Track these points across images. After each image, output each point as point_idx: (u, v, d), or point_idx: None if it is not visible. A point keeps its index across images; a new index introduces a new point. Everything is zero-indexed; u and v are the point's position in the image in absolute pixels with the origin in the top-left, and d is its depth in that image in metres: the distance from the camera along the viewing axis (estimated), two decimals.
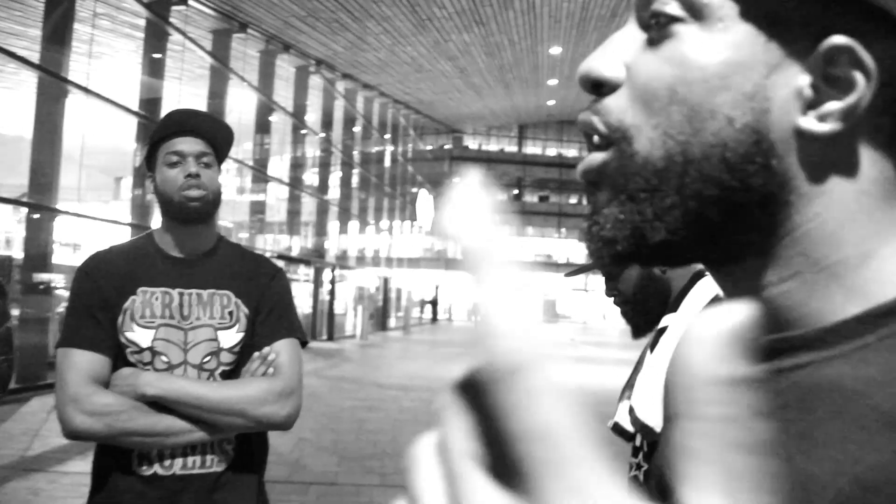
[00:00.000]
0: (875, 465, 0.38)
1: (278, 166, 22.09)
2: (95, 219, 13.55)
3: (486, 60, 24.62)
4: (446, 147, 50.22)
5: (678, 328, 1.55)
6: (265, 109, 19.95)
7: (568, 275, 1.84)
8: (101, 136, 14.70)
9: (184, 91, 16.06)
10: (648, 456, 1.55)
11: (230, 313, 1.88)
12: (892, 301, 0.45)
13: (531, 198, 54.43)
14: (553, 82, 28.87)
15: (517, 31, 21.37)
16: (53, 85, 11.40)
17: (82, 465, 5.75)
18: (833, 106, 0.46)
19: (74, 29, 12.07)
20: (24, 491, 5.53)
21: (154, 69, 14.56)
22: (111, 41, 16.03)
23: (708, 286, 1.61)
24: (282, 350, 1.88)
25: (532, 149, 53.87)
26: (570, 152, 54.24)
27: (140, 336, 1.81)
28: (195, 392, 1.75)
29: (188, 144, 1.88)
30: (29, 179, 11.22)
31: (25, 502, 5.29)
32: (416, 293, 41.36)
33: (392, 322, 33.27)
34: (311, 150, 24.53)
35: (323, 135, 24.39)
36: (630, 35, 0.52)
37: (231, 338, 1.87)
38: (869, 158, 0.47)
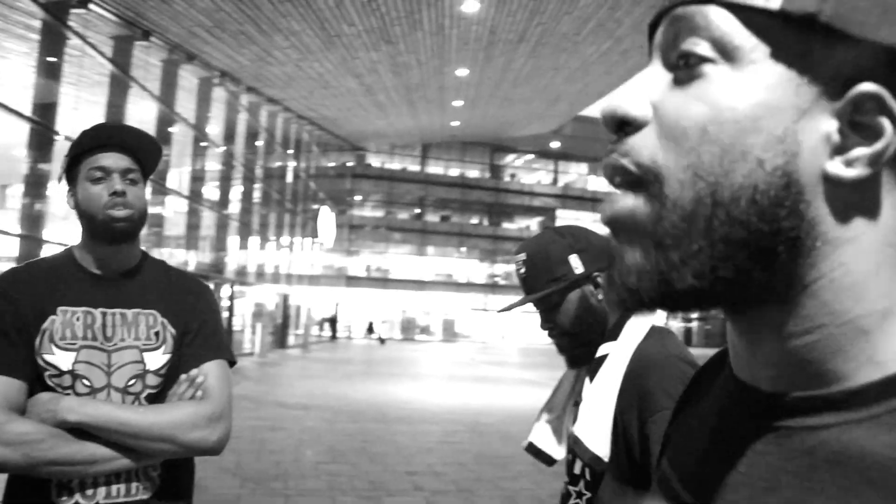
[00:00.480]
0: None
1: (178, 179, 21.53)
2: None
3: (393, 79, 24.69)
4: (349, 164, 50.05)
5: (620, 356, 1.54)
6: (166, 120, 19.42)
7: (501, 311, 1.79)
8: None
9: (81, 97, 15.49)
10: (592, 485, 1.53)
11: (156, 334, 1.81)
12: None
13: (433, 217, 54.73)
14: (458, 103, 29.16)
15: (425, 52, 21.52)
16: None
17: None
18: (860, 152, 0.46)
19: None
20: None
21: (49, 73, 13.96)
22: (2, 41, 15.33)
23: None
24: (210, 372, 1.82)
25: (434, 168, 54.25)
26: (473, 173, 54.87)
27: (60, 358, 1.72)
28: (121, 417, 1.67)
29: (113, 160, 1.80)
30: None
31: None
32: (315, 310, 40.92)
33: (291, 339, 32.79)
34: (212, 164, 24.01)
35: (224, 148, 23.93)
36: (654, 74, 0.52)
37: (157, 359, 1.80)
38: (891, 206, 0.47)
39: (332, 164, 46.83)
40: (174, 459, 1.79)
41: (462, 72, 23.71)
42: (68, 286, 1.79)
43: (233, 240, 25.38)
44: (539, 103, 29.28)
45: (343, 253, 49.27)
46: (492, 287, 50.40)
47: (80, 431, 1.64)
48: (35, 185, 13.36)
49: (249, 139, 26.32)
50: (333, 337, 44.11)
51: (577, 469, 1.58)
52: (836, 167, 0.46)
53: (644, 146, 0.50)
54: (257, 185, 27.61)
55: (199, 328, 1.87)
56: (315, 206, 38.49)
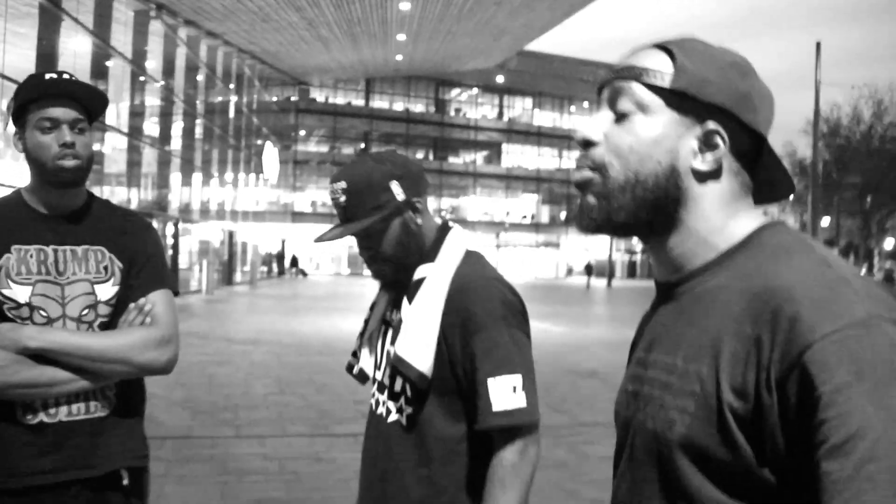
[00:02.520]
0: (737, 316, 0.84)
1: (116, 115, 21.12)
2: None
3: (335, 13, 24.33)
4: (292, 99, 49.29)
5: (439, 279, 1.67)
6: (101, 55, 18.95)
7: (318, 240, 1.81)
8: None
9: (8, 30, 15.01)
10: (413, 400, 1.67)
11: (105, 268, 1.97)
12: (730, 248, 0.92)
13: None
14: (401, 37, 28.89)
15: None
16: None
17: None
18: (709, 156, 0.93)
19: None
20: None
21: None
22: None
23: (458, 237, 1.76)
24: (157, 300, 1.99)
25: (379, 103, 53.74)
26: (418, 107, 54.48)
27: (17, 292, 1.87)
28: (78, 343, 1.83)
29: (62, 112, 1.91)
30: None
31: None
32: (262, 247, 40.73)
33: (238, 276, 32.76)
34: (152, 99, 23.55)
35: (163, 83, 23.46)
36: (604, 116, 0.97)
37: (107, 291, 1.96)
38: (728, 174, 0.94)
39: (274, 99, 46.09)
40: (127, 381, 1.97)
41: (405, 5, 23.45)
42: (20, 226, 1.93)
43: (175, 177, 25.07)
44: (483, 38, 29.13)
45: (288, 189, 48.88)
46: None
47: (41, 357, 1.80)
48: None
49: (189, 74, 25.80)
50: (281, 273, 44.07)
51: (397, 387, 1.70)
52: (697, 163, 0.93)
53: (599, 154, 0.95)
54: (199, 121, 27.18)
55: (145, 262, 2.03)
56: (259, 142, 38.01)
